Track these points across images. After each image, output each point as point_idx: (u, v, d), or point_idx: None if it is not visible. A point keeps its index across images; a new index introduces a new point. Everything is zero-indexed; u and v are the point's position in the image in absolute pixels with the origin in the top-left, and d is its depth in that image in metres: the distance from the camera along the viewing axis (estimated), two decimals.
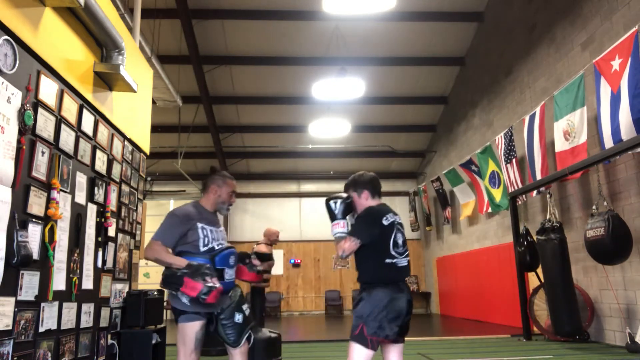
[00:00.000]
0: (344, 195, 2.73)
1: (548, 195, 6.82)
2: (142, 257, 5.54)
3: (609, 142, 5.56)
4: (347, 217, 2.68)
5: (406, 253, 2.64)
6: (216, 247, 2.84)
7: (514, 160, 8.22)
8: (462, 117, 11.75)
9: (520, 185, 8.00)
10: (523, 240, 7.17)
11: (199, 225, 2.82)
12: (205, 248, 2.79)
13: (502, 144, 8.43)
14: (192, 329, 2.72)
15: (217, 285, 2.64)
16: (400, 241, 2.63)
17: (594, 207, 5.75)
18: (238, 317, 2.84)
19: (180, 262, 2.70)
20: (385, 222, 2.59)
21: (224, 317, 2.82)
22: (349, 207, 2.71)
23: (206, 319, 2.78)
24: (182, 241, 2.80)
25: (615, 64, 5.50)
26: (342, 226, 2.62)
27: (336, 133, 12.41)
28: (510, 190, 8.22)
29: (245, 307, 2.92)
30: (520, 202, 8.14)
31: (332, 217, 2.66)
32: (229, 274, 2.83)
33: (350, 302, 14.62)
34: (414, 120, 13.60)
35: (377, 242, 2.57)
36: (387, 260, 2.56)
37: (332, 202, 2.68)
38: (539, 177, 7.12)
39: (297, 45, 10.69)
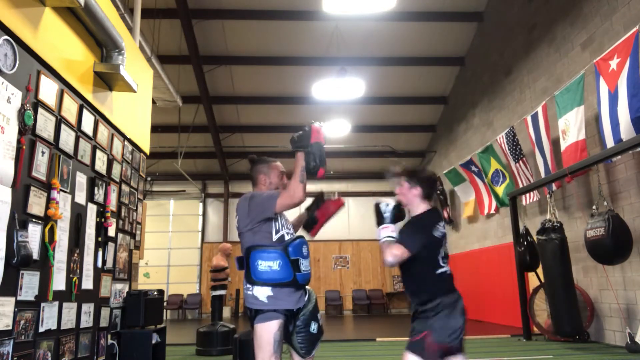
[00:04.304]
0: (397, 202, 2.58)
1: (548, 195, 6.82)
2: (141, 257, 5.55)
3: (609, 141, 5.56)
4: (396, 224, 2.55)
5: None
6: (286, 237, 2.67)
7: (522, 158, 8.17)
8: (462, 117, 11.75)
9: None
10: (523, 240, 7.16)
11: None
12: (277, 236, 2.63)
13: (505, 143, 8.41)
14: (268, 330, 2.49)
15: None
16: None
17: (594, 207, 5.75)
18: (313, 327, 2.70)
19: (300, 158, 2.62)
20: (436, 234, 2.44)
21: (299, 324, 2.65)
22: (401, 214, 2.55)
23: (285, 318, 2.58)
24: (256, 228, 2.63)
25: (613, 63, 5.50)
26: (392, 230, 2.47)
27: (336, 133, 12.41)
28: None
29: (319, 315, 2.79)
30: (532, 201, 8.05)
31: (381, 220, 2.51)
32: (304, 264, 2.62)
33: (350, 302, 14.62)
34: (414, 120, 13.60)
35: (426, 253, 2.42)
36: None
37: (383, 205, 2.53)
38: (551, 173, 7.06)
39: (297, 45, 10.69)
